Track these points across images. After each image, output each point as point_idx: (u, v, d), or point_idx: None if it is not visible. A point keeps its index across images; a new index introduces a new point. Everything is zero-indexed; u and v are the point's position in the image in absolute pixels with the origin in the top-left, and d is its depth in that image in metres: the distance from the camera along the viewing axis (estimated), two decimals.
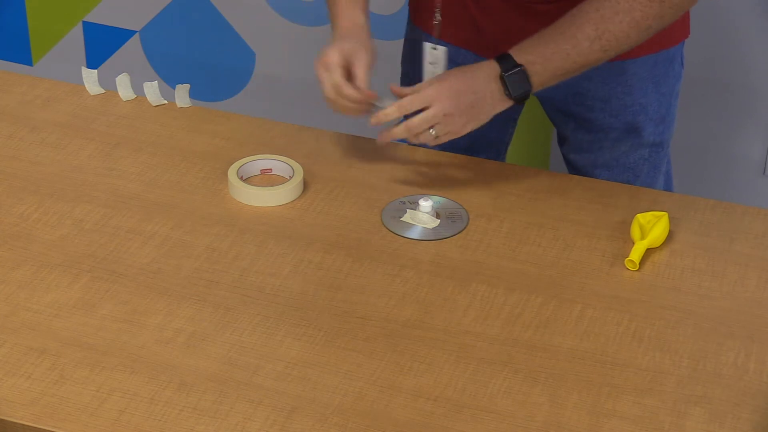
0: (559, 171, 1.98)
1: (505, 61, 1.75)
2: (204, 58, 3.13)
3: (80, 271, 1.64)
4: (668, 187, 2.14)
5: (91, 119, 1.99)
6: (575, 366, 1.51)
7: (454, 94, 1.75)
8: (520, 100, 1.77)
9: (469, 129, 1.77)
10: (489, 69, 1.76)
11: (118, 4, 3.16)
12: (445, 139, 1.77)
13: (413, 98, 1.76)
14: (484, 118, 1.77)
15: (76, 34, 3.24)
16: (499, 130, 2.13)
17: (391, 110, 1.76)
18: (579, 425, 1.42)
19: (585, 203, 1.82)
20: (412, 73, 2.10)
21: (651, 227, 1.72)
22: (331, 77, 1.78)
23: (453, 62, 2.03)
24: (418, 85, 1.79)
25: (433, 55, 1.91)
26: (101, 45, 3.23)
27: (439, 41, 1.99)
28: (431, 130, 1.75)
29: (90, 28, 3.22)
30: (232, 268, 1.66)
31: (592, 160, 2.04)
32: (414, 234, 1.74)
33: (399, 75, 2.16)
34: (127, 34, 3.19)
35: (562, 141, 2.10)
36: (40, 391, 1.44)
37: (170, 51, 3.16)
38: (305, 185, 1.83)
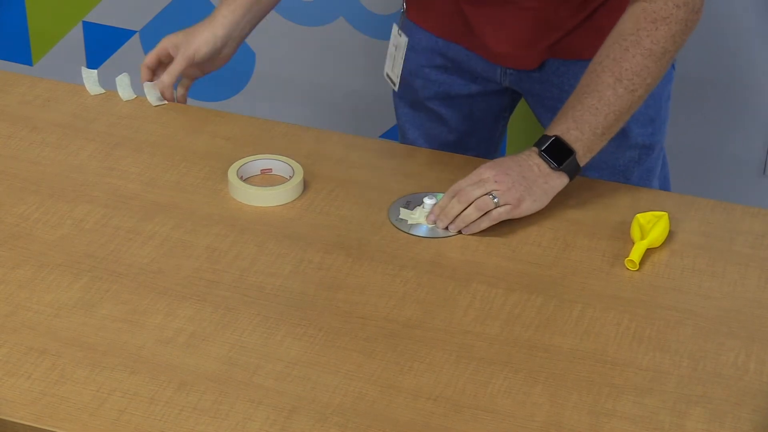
0: None
1: (541, 139, 1.76)
2: None
3: (80, 271, 1.64)
4: (666, 190, 2.13)
5: (91, 119, 1.99)
6: (575, 366, 1.51)
7: (499, 164, 1.74)
8: (571, 171, 1.75)
9: (527, 204, 1.73)
10: (528, 150, 1.76)
11: (118, 4, 3.16)
12: (503, 213, 1.72)
13: (461, 180, 1.75)
14: (539, 193, 1.73)
15: (76, 34, 3.24)
16: (489, 127, 2.13)
17: (444, 200, 1.75)
18: (579, 425, 1.42)
19: (585, 203, 1.82)
20: (405, 71, 2.10)
21: (651, 227, 1.72)
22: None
23: (444, 56, 2.04)
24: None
25: (398, 39, 1.94)
26: (101, 45, 3.23)
27: (430, 35, 2.00)
28: (492, 198, 1.71)
29: (90, 28, 3.22)
30: (232, 268, 1.66)
31: None
32: (421, 232, 1.74)
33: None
34: (127, 34, 3.19)
35: None
36: (40, 391, 1.44)
37: None
38: (305, 185, 1.83)
